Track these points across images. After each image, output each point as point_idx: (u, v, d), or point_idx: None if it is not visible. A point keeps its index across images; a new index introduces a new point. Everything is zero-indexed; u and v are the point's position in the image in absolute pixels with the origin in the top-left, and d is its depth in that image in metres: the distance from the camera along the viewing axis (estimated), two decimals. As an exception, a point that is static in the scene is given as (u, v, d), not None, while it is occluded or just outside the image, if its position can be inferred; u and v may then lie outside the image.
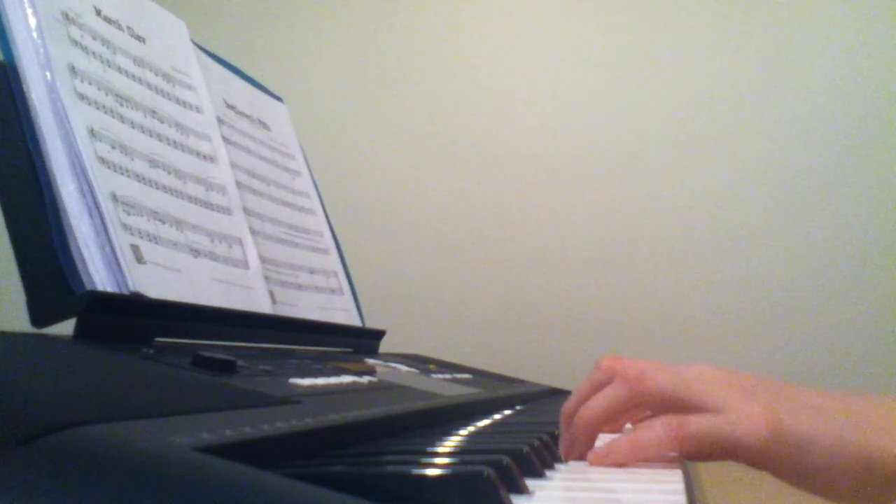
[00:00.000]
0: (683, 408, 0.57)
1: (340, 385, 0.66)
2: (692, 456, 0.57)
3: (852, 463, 0.54)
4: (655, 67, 1.91)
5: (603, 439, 0.60)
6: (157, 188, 0.72)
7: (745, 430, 0.54)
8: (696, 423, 0.55)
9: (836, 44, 1.84)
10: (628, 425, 0.70)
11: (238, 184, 0.87)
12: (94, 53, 0.71)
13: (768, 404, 0.56)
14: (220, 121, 0.88)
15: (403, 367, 0.95)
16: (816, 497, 0.57)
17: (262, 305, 0.84)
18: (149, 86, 0.77)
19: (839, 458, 0.54)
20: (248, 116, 0.98)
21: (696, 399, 0.57)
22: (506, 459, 0.42)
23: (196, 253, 0.74)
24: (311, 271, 1.00)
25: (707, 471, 0.64)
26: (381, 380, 0.77)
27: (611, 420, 0.60)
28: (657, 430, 0.55)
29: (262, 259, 0.87)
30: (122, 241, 0.63)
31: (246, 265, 0.83)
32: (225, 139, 0.88)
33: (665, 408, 0.59)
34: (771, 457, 0.55)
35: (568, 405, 0.62)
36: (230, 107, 0.94)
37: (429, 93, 2.00)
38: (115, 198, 0.64)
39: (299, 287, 0.95)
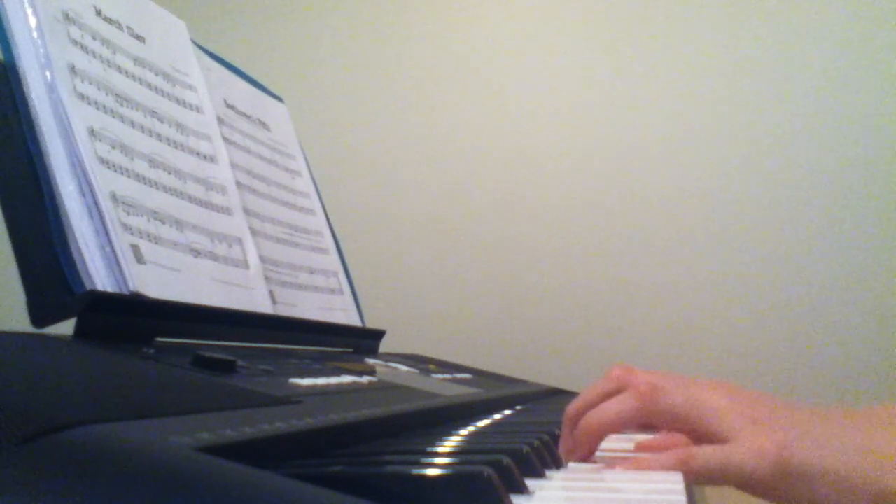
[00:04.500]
0: (693, 431, 0.57)
1: (340, 385, 0.66)
2: (697, 483, 0.57)
3: (862, 497, 0.53)
4: (656, 68, 1.91)
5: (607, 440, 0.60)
6: (157, 188, 0.72)
7: (752, 464, 0.54)
8: (705, 458, 0.55)
9: (837, 44, 1.84)
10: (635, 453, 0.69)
11: (238, 184, 0.87)
12: (94, 53, 0.71)
13: (778, 437, 0.55)
14: (220, 121, 0.88)
15: (403, 367, 0.95)
16: None
17: (262, 305, 0.84)
18: (149, 86, 0.77)
19: (848, 493, 0.53)
20: (248, 116, 0.98)
21: (707, 425, 0.57)
22: (506, 459, 0.42)
23: (196, 253, 0.74)
24: (311, 271, 1.00)
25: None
26: (381, 380, 0.77)
27: (618, 430, 0.60)
28: (664, 462, 0.55)
29: (262, 259, 0.87)
30: (122, 241, 0.63)
31: (246, 265, 0.83)
32: (225, 139, 0.88)
33: (674, 427, 0.58)
34: (778, 488, 0.54)
35: (572, 407, 0.61)
36: (230, 107, 0.94)
37: (429, 93, 2.00)
38: (115, 198, 0.64)
39: (299, 287, 0.95)
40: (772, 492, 0.55)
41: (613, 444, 0.64)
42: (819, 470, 0.54)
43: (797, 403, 0.61)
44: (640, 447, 0.61)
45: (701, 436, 0.57)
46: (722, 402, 0.58)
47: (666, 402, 0.58)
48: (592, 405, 0.60)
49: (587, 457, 0.58)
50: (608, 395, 0.60)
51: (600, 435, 0.59)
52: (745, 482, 0.55)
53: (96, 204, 0.62)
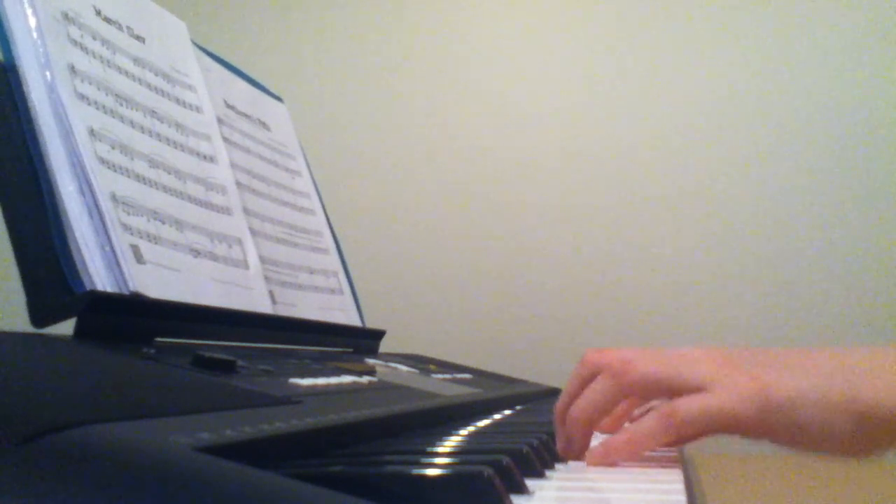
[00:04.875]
0: (672, 390, 0.57)
1: (340, 385, 0.66)
2: (689, 438, 0.57)
3: (843, 415, 0.53)
4: (655, 68, 1.91)
5: (599, 437, 0.60)
6: (157, 188, 0.72)
7: (735, 403, 0.54)
8: (687, 407, 0.55)
9: (837, 44, 1.84)
10: (626, 424, 0.69)
11: (238, 184, 0.87)
12: (94, 53, 0.71)
13: (755, 373, 0.55)
14: (220, 121, 0.88)
15: (403, 367, 0.95)
16: (816, 459, 0.56)
17: (262, 305, 0.84)
18: (149, 86, 0.77)
19: (829, 413, 0.54)
20: (248, 116, 0.98)
21: (684, 380, 0.57)
22: (506, 459, 0.42)
23: (196, 253, 0.74)
24: (311, 271, 1.00)
25: (707, 470, 0.64)
26: (381, 380, 0.77)
27: (603, 415, 0.60)
28: (650, 422, 0.55)
29: (262, 259, 0.87)
30: (122, 241, 0.63)
31: (246, 265, 0.83)
32: (225, 139, 0.88)
33: (654, 393, 0.59)
34: (764, 424, 0.55)
35: (559, 404, 0.62)
36: (230, 107, 0.94)
37: (429, 93, 2.00)
38: (115, 198, 0.64)
39: (299, 287, 0.95)
40: (757, 429, 0.55)
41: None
42: (798, 395, 0.54)
43: (769, 348, 0.61)
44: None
45: (681, 392, 0.57)
46: (695, 354, 0.58)
47: (640, 370, 0.58)
48: (576, 396, 0.60)
49: (583, 451, 0.59)
50: (587, 382, 0.60)
51: (589, 423, 0.59)
52: (730, 423, 0.55)
53: (96, 204, 0.62)
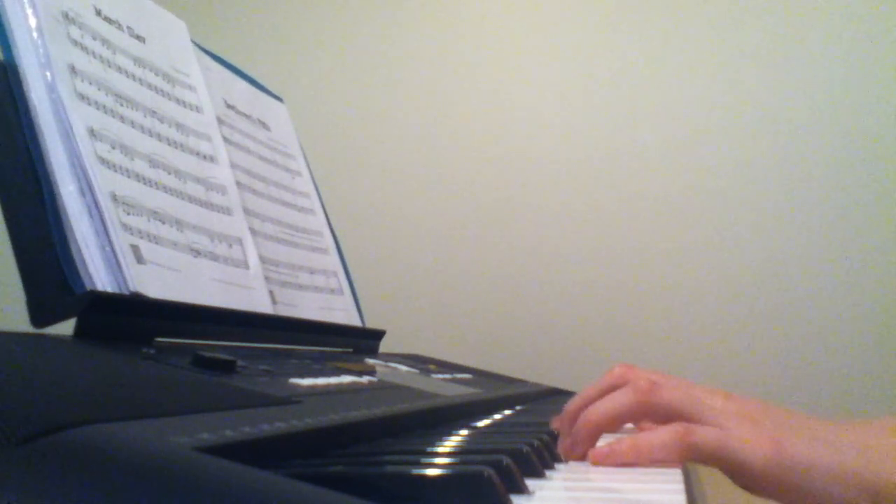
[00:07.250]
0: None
1: (340, 385, 0.66)
2: (692, 461, 0.57)
3: (854, 491, 0.54)
4: (655, 69, 1.91)
5: (605, 439, 0.60)
6: (157, 188, 0.72)
7: (748, 452, 0.55)
8: (703, 434, 0.56)
9: (838, 45, 1.84)
10: (629, 425, 0.70)
11: (238, 184, 0.87)
12: (94, 53, 0.71)
13: (774, 434, 0.56)
14: (220, 121, 0.88)
15: (403, 367, 0.95)
16: None
17: (262, 305, 0.84)
18: (149, 86, 0.77)
19: (841, 486, 0.54)
20: (248, 116, 0.98)
21: (703, 418, 0.58)
22: (506, 459, 0.42)
23: (196, 253, 0.74)
24: (311, 271, 1.00)
25: (707, 470, 0.64)
26: (381, 380, 0.77)
27: (616, 424, 0.61)
28: (662, 435, 0.56)
29: (262, 259, 0.87)
30: (122, 241, 0.63)
31: (246, 265, 0.83)
32: (225, 139, 0.88)
33: (671, 421, 0.59)
34: (771, 482, 0.55)
35: (572, 405, 0.62)
36: (230, 107, 0.94)
37: (430, 93, 2.00)
38: (115, 198, 0.64)
39: (299, 287, 0.95)
40: (764, 483, 0.55)
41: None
42: (811, 462, 0.55)
43: (793, 409, 0.62)
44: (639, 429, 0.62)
45: None
46: (719, 402, 0.59)
47: (664, 396, 0.59)
48: (591, 402, 0.60)
49: (587, 453, 0.59)
50: (607, 392, 0.61)
51: (599, 430, 0.59)
52: (738, 468, 0.55)
53: (96, 204, 0.62)
